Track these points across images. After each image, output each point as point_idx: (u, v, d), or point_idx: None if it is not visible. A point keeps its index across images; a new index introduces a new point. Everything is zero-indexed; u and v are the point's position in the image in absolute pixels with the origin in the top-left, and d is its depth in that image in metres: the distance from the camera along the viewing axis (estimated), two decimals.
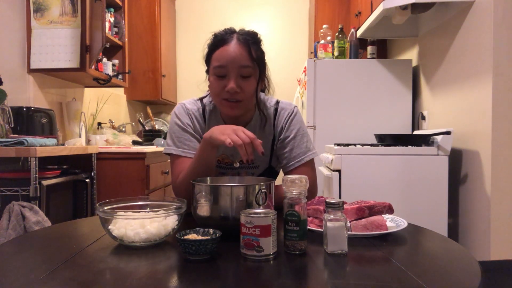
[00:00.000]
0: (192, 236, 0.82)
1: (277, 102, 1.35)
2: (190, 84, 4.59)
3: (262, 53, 1.24)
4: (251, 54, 1.18)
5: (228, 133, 1.05)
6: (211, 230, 0.84)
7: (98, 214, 0.89)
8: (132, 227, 0.85)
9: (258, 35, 1.24)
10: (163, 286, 0.69)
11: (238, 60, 1.17)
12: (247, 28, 1.26)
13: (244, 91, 1.19)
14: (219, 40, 1.19)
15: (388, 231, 0.93)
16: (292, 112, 1.34)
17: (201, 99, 1.35)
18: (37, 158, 1.87)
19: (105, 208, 0.92)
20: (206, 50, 1.24)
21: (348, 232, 0.84)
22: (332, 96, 2.96)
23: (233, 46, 1.17)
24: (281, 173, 1.39)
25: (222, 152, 1.31)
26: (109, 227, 0.88)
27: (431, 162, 2.27)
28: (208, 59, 1.24)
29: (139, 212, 0.94)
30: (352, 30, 3.16)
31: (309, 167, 1.31)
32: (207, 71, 1.26)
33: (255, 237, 0.77)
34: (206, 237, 0.81)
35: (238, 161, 1.31)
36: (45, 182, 2.00)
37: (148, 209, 0.97)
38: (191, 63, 4.58)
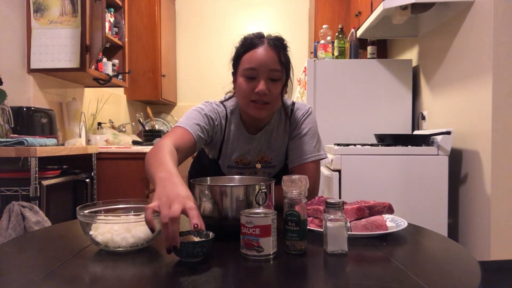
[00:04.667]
0: (186, 238, 0.80)
1: (293, 103, 1.38)
2: (190, 84, 4.59)
3: (288, 59, 1.27)
4: (281, 59, 1.22)
5: (163, 202, 0.78)
6: (204, 232, 0.82)
7: (79, 219, 0.85)
8: (117, 231, 0.81)
9: (285, 41, 1.27)
10: (164, 286, 0.69)
11: (269, 64, 1.20)
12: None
13: (272, 93, 1.21)
14: (250, 43, 1.22)
15: (388, 231, 0.93)
16: (306, 112, 1.37)
17: (222, 102, 1.36)
18: (37, 158, 1.87)
19: (85, 212, 0.87)
20: (234, 52, 1.27)
21: (348, 232, 0.84)
22: (332, 96, 2.96)
23: (264, 50, 1.21)
24: None
25: (240, 154, 1.33)
26: (91, 232, 0.83)
27: (431, 162, 2.27)
28: (236, 61, 1.26)
29: (127, 215, 0.89)
30: (352, 30, 3.16)
31: (313, 167, 1.33)
32: (234, 73, 1.28)
33: (255, 237, 0.77)
34: (200, 239, 0.80)
35: (257, 161, 1.35)
36: (45, 182, 2.00)
37: (132, 212, 0.93)
38: (191, 63, 4.58)
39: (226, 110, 1.34)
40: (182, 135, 1.19)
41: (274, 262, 0.78)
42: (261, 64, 1.19)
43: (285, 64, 1.24)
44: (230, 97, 1.38)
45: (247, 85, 1.21)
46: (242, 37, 1.26)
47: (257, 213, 0.79)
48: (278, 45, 1.23)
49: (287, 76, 1.27)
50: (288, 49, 1.27)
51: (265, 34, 1.26)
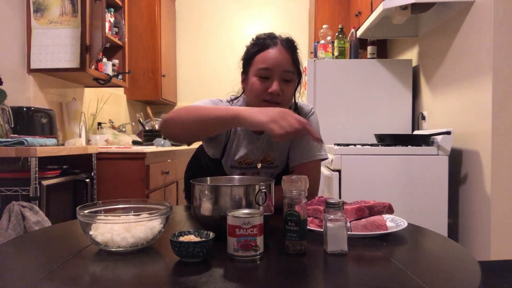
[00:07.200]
0: (186, 238, 0.81)
1: (296, 103, 1.38)
2: (190, 84, 4.59)
3: (299, 60, 1.29)
4: (294, 60, 1.24)
5: (275, 117, 0.98)
6: (205, 232, 0.83)
7: (79, 219, 0.84)
8: (117, 231, 0.81)
9: (296, 43, 1.29)
10: (164, 286, 0.69)
11: (283, 64, 1.21)
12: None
13: (285, 94, 1.22)
14: (263, 44, 1.23)
15: (388, 231, 0.93)
16: (309, 111, 1.38)
17: (228, 102, 1.37)
18: (37, 158, 1.87)
19: (85, 212, 0.87)
20: (245, 52, 1.28)
21: (348, 232, 0.84)
22: (332, 96, 2.96)
23: (278, 50, 1.22)
24: None
25: (243, 154, 1.32)
26: (91, 232, 0.83)
27: (431, 162, 2.27)
28: (248, 61, 1.26)
29: (127, 215, 0.89)
30: (352, 30, 3.16)
31: (314, 167, 1.32)
32: (244, 73, 1.29)
33: (253, 237, 0.77)
34: (200, 239, 0.79)
35: (260, 161, 1.34)
36: (45, 182, 2.00)
37: (132, 213, 0.92)
38: (191, 63, 4.58)
39: None
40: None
41: (275, 262, 0.78)
42: (275, 64, 1.20)
43: (297, 65, 1.26)
44: (236, 97, 1.38)
45: (261, 85, 1.21)
46: (254, 37, 1.27)
47: (249, 214, 0.79)
48: (291, 46, 1.25)
49: (299, 77, 1.28)
50: (298, 50, 1.28)
51: (277, 35, 1.27)
